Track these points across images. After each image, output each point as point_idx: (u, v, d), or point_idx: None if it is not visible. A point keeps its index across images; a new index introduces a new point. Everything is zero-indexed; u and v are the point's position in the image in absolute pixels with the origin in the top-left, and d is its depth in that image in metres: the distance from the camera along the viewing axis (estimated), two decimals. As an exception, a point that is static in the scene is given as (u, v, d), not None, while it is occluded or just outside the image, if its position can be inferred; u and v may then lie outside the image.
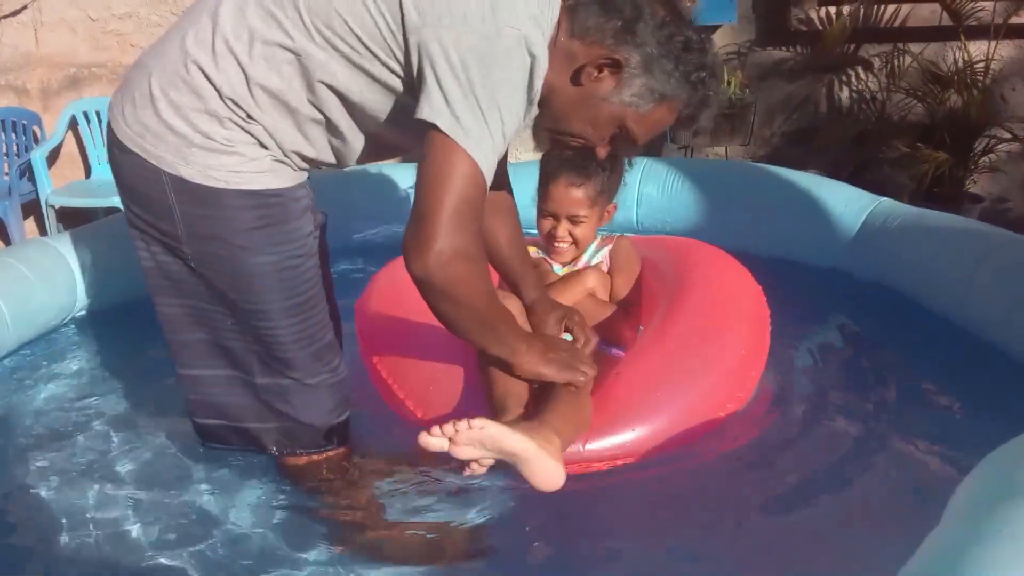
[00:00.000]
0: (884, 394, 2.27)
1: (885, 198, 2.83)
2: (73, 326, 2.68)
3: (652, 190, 3.19)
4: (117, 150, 1.61)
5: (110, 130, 1.63)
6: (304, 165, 1.70)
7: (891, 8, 4.27)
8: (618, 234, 2.34)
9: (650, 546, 1.69)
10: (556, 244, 2.19)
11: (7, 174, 4.47)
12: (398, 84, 1.56)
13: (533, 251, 2.24)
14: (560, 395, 1.70)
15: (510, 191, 1.97)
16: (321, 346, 1.75)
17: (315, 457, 1.82)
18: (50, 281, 2.52)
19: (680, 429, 1.77)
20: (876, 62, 4.45)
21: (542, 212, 2.17)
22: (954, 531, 1.01)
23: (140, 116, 1.57)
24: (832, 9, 4.29)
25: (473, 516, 1.74)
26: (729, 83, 4.08)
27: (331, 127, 1.64)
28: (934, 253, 2.53)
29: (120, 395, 2.27)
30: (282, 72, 1.55)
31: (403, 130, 1.59)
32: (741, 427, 1.94)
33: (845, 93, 4.55)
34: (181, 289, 1.68)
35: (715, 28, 4.48)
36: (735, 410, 1.90)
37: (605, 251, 2.26)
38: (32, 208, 4.55)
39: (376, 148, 1.72)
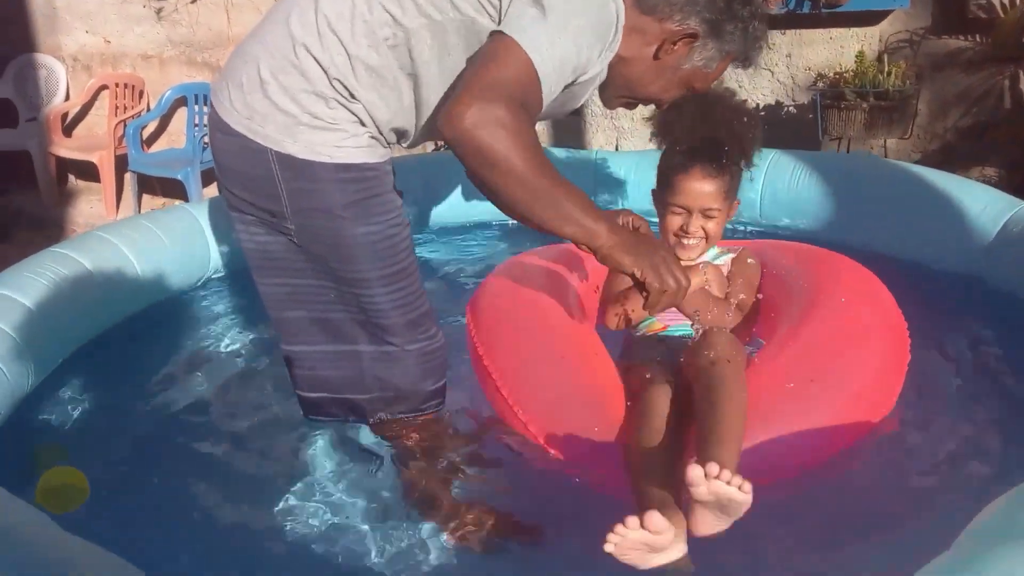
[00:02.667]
0: (993, 411, 2.12)
1: (1024, 203, 2.61)
2: (205, 289, 2.94)
3: (778, 184, 3.08)
4: (221, 133, 1.73)
5: (213, 114, 1.75)
6: (393, 140, 1.81)
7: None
8: (741, 245, 2.27)
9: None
10: (687, 241, 2.05)
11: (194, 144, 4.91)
12: (488, 21, 1.64)
13: None
14: (717, 411, 1.61)
15: None
16: (419, 314, 1.84)
17: (410, 422, 1.91)
18: (184, 245, 2.78)
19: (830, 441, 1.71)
20: (1068, 53, 4.06)
21: (669, 208, 2.04)
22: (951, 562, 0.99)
23: (248, 100, 1.68)
24: (1019, -5, 3.94)
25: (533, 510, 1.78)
26: (889, 73, 3.85)
27: (420, 96, 1.73)
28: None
29: (233, 362, 2.47)
30: (380, 48, 1.65)
31: None
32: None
33: (1030, 87, 4.18)
34: (283, 267, 1.80)
35: (885, 14, 4.24)
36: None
37: (728, 257, 2.17)
38: (211, 176, 4.98)
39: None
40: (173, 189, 5.13)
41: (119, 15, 5.16)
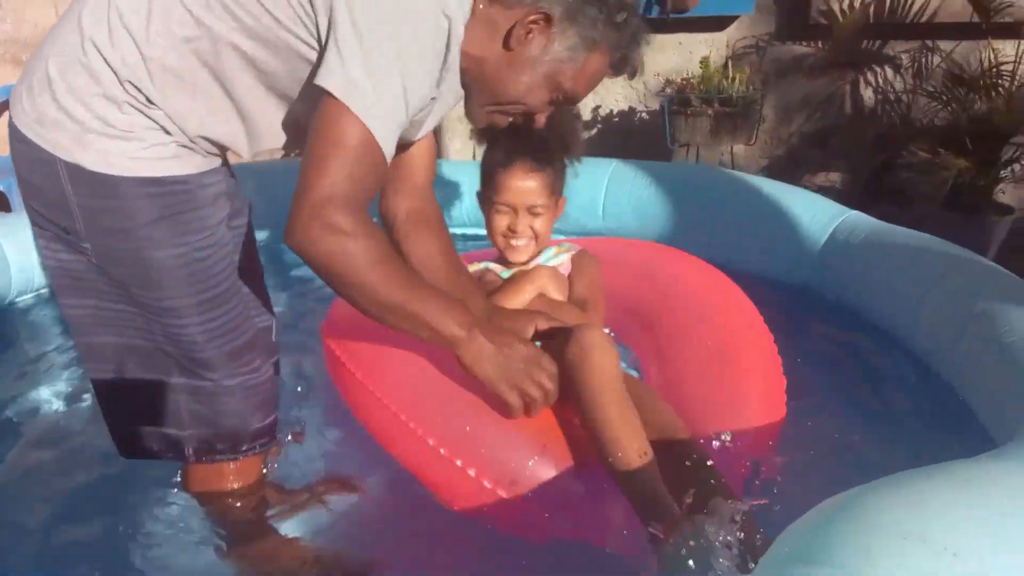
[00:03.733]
0: (827, 422, 2.11)
1: (853, 211, 2.62)
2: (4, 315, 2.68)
3: (619, 194, 3.03)
4: (16, 140, 1.51)
5: (10, 119, 1.52)
6: (215, 150, 1.60)
7: (920, 1, 3.98)
8: (579, 245, 2.17)
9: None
10: (515, 241, 2.00)
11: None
12: (309, 53, 1.45)
13: (474, 267, 2.08)
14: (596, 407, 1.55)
15: (434, 202, 1.86)
16: (239, 344, 1.64)
17: (230, 463, 1.72)
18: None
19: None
20: (903, 60, 4.18)
21: (495, 207, 1.98)
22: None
23: (37, 102, 1.46)
24: (857, 1, 4.02)
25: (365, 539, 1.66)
26: (733, 79, 3.86)
27: (239, 108, 1.53)
28: (892, 272, 2.33)
29: (33, 394, 2.25)
30: (181, 50, 1.44)
31: None
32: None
33: (869, 92, 4.28)
34: (85, 289, 1.58)
35: (731, 19, 4.27)
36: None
37: (566, 256, 2.08)
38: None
39: (296, 133, 1.60)
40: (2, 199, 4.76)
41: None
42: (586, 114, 4.49)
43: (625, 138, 4.43)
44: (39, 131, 1.46)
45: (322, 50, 1.42)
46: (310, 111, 1.44)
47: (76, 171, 1.45)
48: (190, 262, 1.55)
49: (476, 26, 1.52)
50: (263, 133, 1.58)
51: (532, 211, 1.97)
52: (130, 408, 1.68)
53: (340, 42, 1.37)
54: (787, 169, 4.44)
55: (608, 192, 3.06)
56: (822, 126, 4.39)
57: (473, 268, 2.08)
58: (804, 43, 4.25)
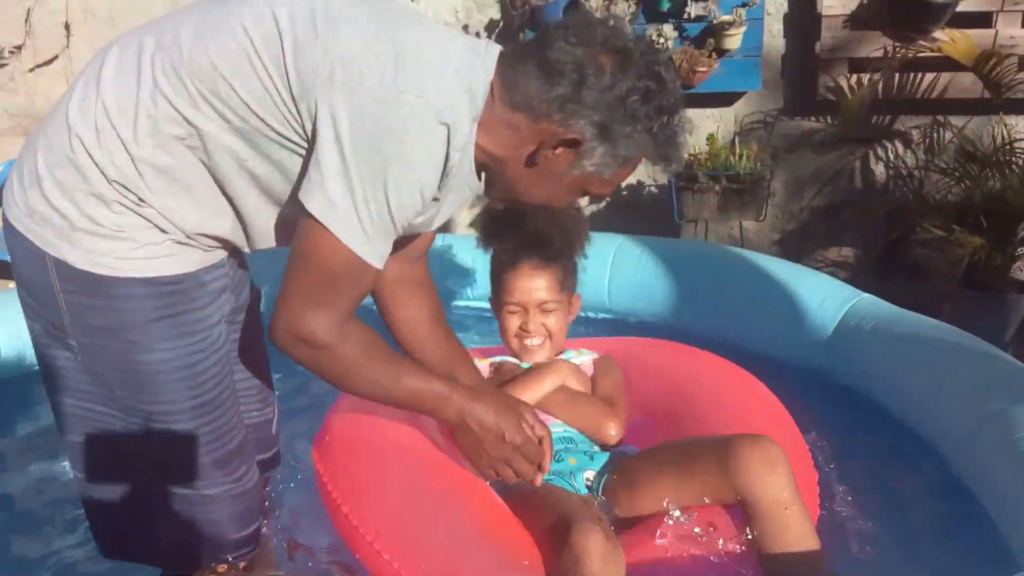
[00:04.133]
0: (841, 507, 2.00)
1: (866, 294, 2.54)
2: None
3: (624, 271, 2.97)
4: (7, 232, 1.48)
5: (3, 211, 1.50)
6: (217, 244, 1.54)
7: (929, 77, 3.95)
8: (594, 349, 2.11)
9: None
10: (528, 341, 1.95)
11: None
12: (299, 153, 1.40)
13: (487, 361, 2.01)
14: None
15: (425, 267, 1.82)
16: (226, 452, 1.58)
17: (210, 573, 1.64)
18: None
19: None
20: (915, 135, 4.13)
21: (506, 307, 1.94)
22: None
23: (27, 195, 1.43)
24: (866, 77, 3.99)
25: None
26: (741, 156, 3.82)
27: (236, 207, 1.48)
28: (904, 360, 2.24)
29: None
30: (171, 149, 1.40)
31: None
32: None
33: (880, 168, 4.23)
34: (70, 387, 1.52)
35: (739, 95, 4.25)
36: None
37: (588, 358, 2.02)
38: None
39: (289, 235, 1.51)
40: (5, 270, 4.74)
41: (-55, 83, 4.81)
42: (593, 188, 4.45)
43: (634, 212, 4.38)
44: (28, 224, 1.43)
45: (310, 152, 1.37)
46: (300, 216, 1.39)
47: (64, 267, 1.41)
48: (182, 367, 1.49)
49: (495, 125, 1.43)
50: (261, 232, 1.53)
51: (543, 308, 1.92)
52: (110, 511, 1.61)
53: (321, 159, 1.32)
54: (798, 244, 4.37)
55: (614, 269, 3.00)
56: (833, 201, 4.33)
57: (487, 361, 2.01)
58: (813, 118, 4.21)
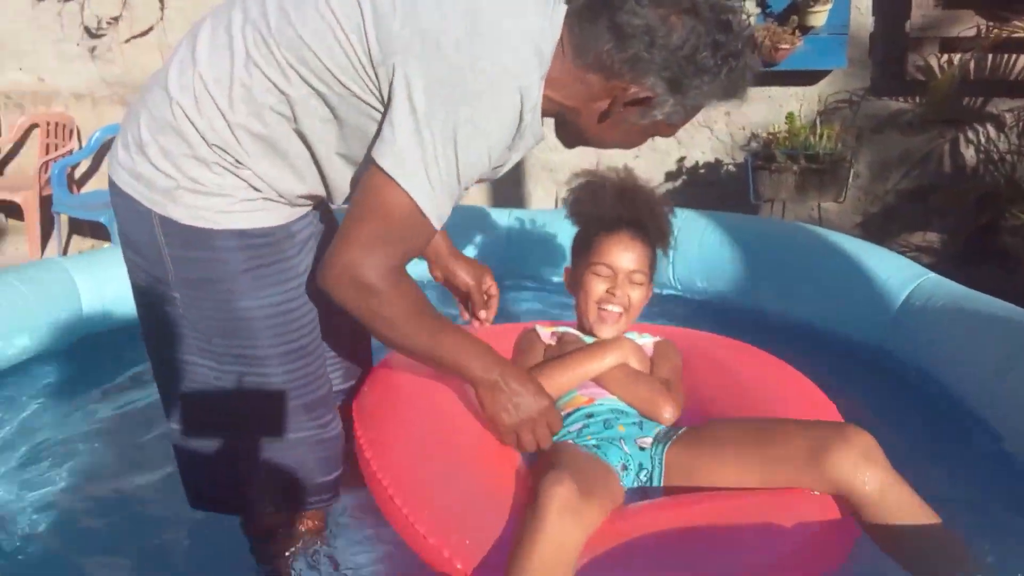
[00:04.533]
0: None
1: (933, 274, 2.47)
2: (71, 351, 2.75)
3: (689, 246, 2.95)
4: (114, 193, 1.57)
5: (109, 174, 1.60)
6: (304, 201, 1.62)
7: (1025, 58, 3.79)
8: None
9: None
10: (609, 307, 1.88)
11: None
12: (377, 119, 1.45)
13: (551, 330, 1.98)
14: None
15: None
16: (314, 398, 1.65)
17: (291, 516, 1.73)
18: (51, 301, 2.62)
19: None
20: (1008, 119, 3.97)
21: (594, 269, 1.88)
22: None
23: (133, 160, 1.52)
24: (956, 57, 3.85)
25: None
26: (821, 135, 3.74)
27: (320, 166, 1.55)
28: (969, 341, 2.18)
29: (94, 427, 2.30)
30: (264, 115, 1.47)
31: None
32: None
33: (970, 151, 4.08)
34: (171, 339, 1.61)
35: (824, 73, 4.15)
36: None
37: (650, 340, 1.98)
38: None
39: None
40: (102, 231, 4.99)
41: (53, 53, 5.05)
42: (670, 165, 4.43)
43: (710, 191, 4.34)
44: (135, 185, 1.52)
45: (383, 120, 1.43)
46: (369, 170, 1.45)
47: (169, 224, 1.51)
48: (273, 314, 1.57)
49: (565, 80, 1.47)
50: (339, 189, 1.59)
51: (632, 279, 1.87)
52: (202, 459, 1.69)
53: (395, 119, 1.38)
54: (882, 227, 4.26)
55: (679, 243, 2.98)
56: (920, 184, 4.21)
57: (550, 330, 1.98)
58: (901, 99, 4.09)
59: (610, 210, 1.88)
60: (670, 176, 4.44)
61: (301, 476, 1.67)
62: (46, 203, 4.87)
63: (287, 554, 1.71)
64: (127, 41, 4.95)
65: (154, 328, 1.63)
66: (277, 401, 1.60)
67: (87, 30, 4.96)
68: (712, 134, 4.36)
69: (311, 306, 1.63)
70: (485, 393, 1.58)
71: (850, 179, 3.93)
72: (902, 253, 4.15)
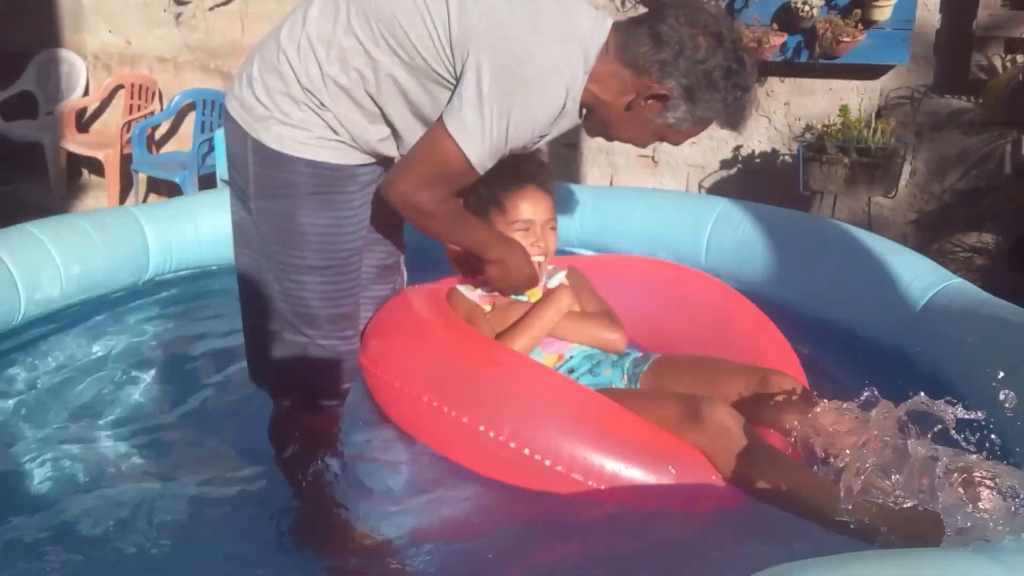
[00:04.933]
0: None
1: (957, 278, 2.49)
2: (141, 294, 2.99)
3: (724, 235, 3.01)
4: (226, 119, 1.94)
5: (224, 103, 1.97)
6: (374, 151, 1.93)
7: (1097, 62, 3.71)
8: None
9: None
10: (536, 258, 2.12)
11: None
12: (448, 88, 1.79)
13: (469, 289, 2.20)
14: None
15: None
16: (341, 312, 1.99)
17: (308, 417, 2.03)
18: (118, 246, 2.83)
19: None
20: (1077, 122, 3.89)
21: (515, 227, 2.11)
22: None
23: (242, 92, 1.88)
24: (1020, 58, 3.78)
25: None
26: (875, 130, 3.73)
27: (390, 122, 1.88)
28: (984, 347, 2.21)
29: (160, 364, 2.51)
30: (350, 73, 1.81)
31: None
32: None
33: (1033, 153, 4.01)
34: (247, 241, 1.99)
35: (886, 68, 4.12)
36: None
37: (561, 275, 2.22)
38: (209, 181, 5.08)
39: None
40: (177, 191, 5.24)
41: (140, 17, 5.31)
42: (726, 153, 4.45)
43: (765, 180, 4.36)
44: (240, 112, 1.87)
45: (455, 85, 1.77)
46: (436, 127, 1.81)
47: (259, 146, 1.84)
48: (326, 232, 1.90)
49: (605, 76, 1.82)
50: (406, 143, 1.92)
51: (549, 226, 2.13)
52: (252, 341, 2.07)
53: (463, 92, 1.73)
54: (936, 226, 4.22)
55: (713, 231, 3.05)
56: (978, 185, 4.14)
57: (476, 292, 2.20)
58: (963, 98, 4.04)
59: (507, 168, 2.01)
60: (725, 164, 4.46)
61: (320, 376, 1.99)
62: (126, 161, 5.15)
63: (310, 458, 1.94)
64: (211, 9, 5.17)
65: (236, 230, 2.02)
66: (309, 307, 1.93)
67: (174, -4, 5.20)
68: (770, 124, 4.36)
69: (357, 235, 1.96)
70: (492, 266, 2.06)
71: (903, 175, 3.91)
72: (955, 253, 4.16)
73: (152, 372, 2.45)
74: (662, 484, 1.71)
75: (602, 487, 1.70)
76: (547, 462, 1.72)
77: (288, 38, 1.83)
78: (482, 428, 1.78)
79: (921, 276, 2.53)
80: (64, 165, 5.27)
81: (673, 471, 1.72)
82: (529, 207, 2.12)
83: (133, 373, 2.45)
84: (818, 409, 1.74)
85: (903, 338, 2.52)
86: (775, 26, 4.03)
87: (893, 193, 3.86)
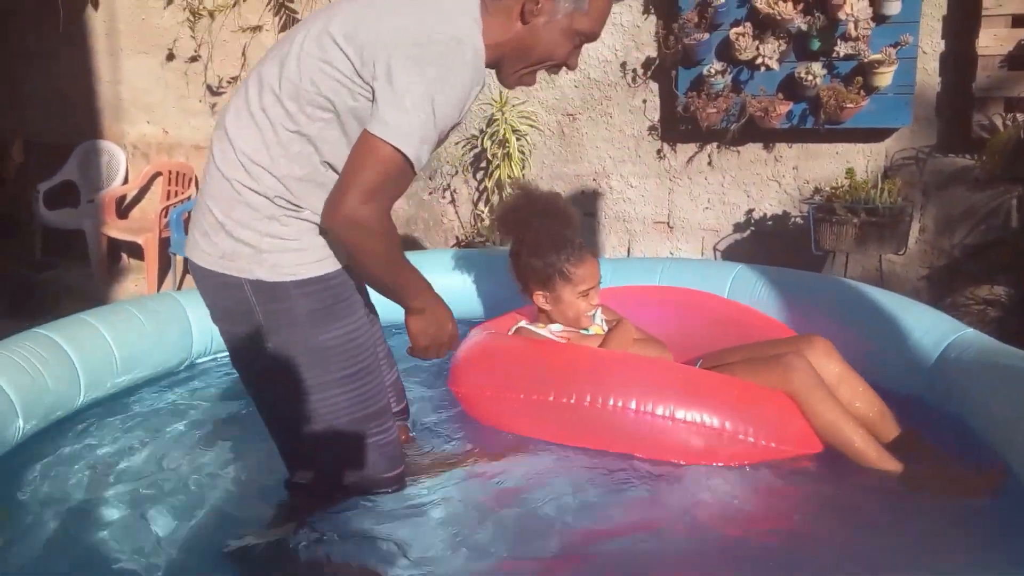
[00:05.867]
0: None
1: (970, 329, 2.62)
2: (187, 373, 3.15)
3: (742, 297, 3.16)
4: (201, 277, 1.94)
5: (190, 262, 1.97)
6: None
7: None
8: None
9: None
10: (596, 313, 2.63)
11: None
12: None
13: (539, 327, 2.65)
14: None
15: None
16: (377, 408, 2.03)
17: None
18: (165, 330, 3.01)
19: None
20: (1081, 175, 4.04)
21: (580, 292, 2.54)
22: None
23: (215, 241, 1.88)
24: (1021, 116, 3.96)
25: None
26: (882, 190, 3.90)
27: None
28: (999, 394, 2.33)
29: (201, 443, 2.62)
30: (300, 161, 1.84)
31: None
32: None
33: (1038, 207, 4.16)
34: (270, 382, 1.98)
35: (891, 131, 4.30)
36: None
37: (600, 311, 2.67)
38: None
39: None
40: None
41: (178, 108, 5.58)
42: (739, 216, 4.62)
43: (777, 242, 4.51)
44: (224, 264, 1.87)
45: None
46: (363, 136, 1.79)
47: (257, 285, 1.85)
48: (345, 341, 1.93)
49: (493, 21, 1.85)
50: None
51: (599, 284, 2.59)
52: (299, 464, 2.07)
53: (379, 97, 1.74)
54: (948, 281, 4.36)
55: (730, 294, 3.20)
56: (986, 239, 4.28)
57: (545, 329, 2.63)
58: (967, 156, 4.21)
59: (561, 240, 2.52)
60: (738, 227, 4.63)
61: (374, 472, 2.04)
62: (164, 244, 5.37)
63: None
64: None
65: (255, 378, 2.00)
66: (350, 414, 1.96)
67: (209, 88, 5.47)
68: (780, 187, 4.54)
69: (369, 334, 2.00)
70: (414, 318, 1.98)
71: (912, 232, 4.06)
72: (968, 306, 4.27)
73: (207, 448, 2.57)
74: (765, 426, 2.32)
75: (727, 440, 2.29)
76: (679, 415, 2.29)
77: (230, 168, 1.83)
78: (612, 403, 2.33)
79: (935, 327, 2.65)
80: (105, 250, 5.50)
81: (774, 413, 2.33)
82: (591, 273, 2.53)
83: (188, 448, 2.57)
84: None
85: (921, 386, 2.64)
86: (780, 95, 4.23)
87: (903, 250, 4.01)
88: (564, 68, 1.96)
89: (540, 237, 2.53)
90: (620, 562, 1.99)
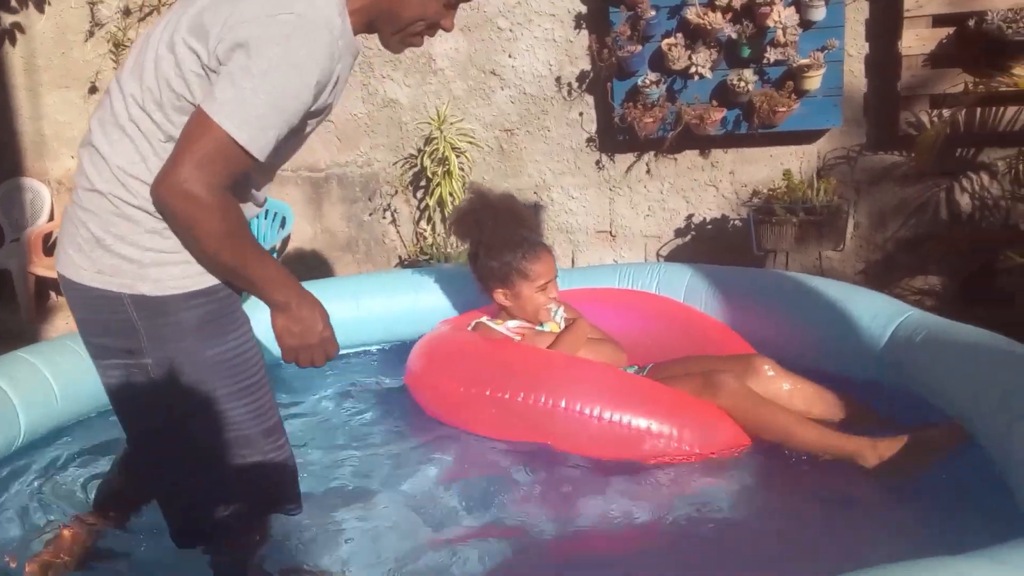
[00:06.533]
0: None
1: (915, 310, 2.68)
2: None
3: (696, 299, 3.20)
4: (72, 290, 1.81)
5: (62, 277, 1.83)
6: None
7: (1012, 111, 4.03)
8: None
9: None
10: (551, 307, 2.73)
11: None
12: None
13: (498, 323, 2.73)
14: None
15: None
16: (272, 424, 1.93)
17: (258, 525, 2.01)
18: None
19: None
20: (1000, 166, 4.19)
21: (537, 290, 2.66)
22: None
23: (92, 257, 1.76)
24: (947, 112, 4.09)
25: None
26: (818, 190, 3.98)
27: (237, 184, 1.78)
28: (957, 370, 2.37)
29: None
30: None
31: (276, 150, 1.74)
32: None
33: (965, 199, 4.30)
34: (143, 407, 1.86)
35: (822, 133, 4.41)
36: None
37: (561, 309, 2.75)
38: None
39: (265, 178, 1.91)
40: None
41: (103, 141, 5.44)
42: (679, 222, 4.67)
43: (718, 245, 4.58)
44: (103, 279, 1.76)
45: None
46: (272, 153, 1.72)
47: (139, 300, 1.75)
48: (232, 356, 1.83)
49: None
50: (260, 192, 1.90)
51: (556, 278, 2.68)
52: (182, 501, 1.93)
53: (217, 79, 1.65)
54: (883, 274, 4.46)
55: (686, 296, 3.23)
56: (918, 232, 4.41)
57: (502, 325, 2.71)
58: (896, 153, 4.33)
59: (517, 239, 2.64)
60: (679, 232, 4.68)
61: (274, 491, 1.96)
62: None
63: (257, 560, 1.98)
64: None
65: (123, 400, 1.87)
66: (242, 431, 1.85)
67: (134, 119, 5.34)
68: (718, 192, 4.61)
69: (257, 348, 1.89)
70: (277, 315, 1.80)
71: (849, 229, 4.15)
72: (905, 297, 4.38)
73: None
74: (695, 434, 2.43)
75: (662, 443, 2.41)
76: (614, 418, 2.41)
77: (104, 181, 1.74)
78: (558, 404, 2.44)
79: (881, 312, 2.71)
80: (33, 289, 5.30)
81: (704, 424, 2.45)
82: (547, 268, 2.64)
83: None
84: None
85: (874, 370, 2.68)
86: (714, 103, 4.31)
87: (841, 246, 4.09)
88: (440, 30, 1.89)
89: (495, 238, 2.62)
90: (589, 559, 2.04)
